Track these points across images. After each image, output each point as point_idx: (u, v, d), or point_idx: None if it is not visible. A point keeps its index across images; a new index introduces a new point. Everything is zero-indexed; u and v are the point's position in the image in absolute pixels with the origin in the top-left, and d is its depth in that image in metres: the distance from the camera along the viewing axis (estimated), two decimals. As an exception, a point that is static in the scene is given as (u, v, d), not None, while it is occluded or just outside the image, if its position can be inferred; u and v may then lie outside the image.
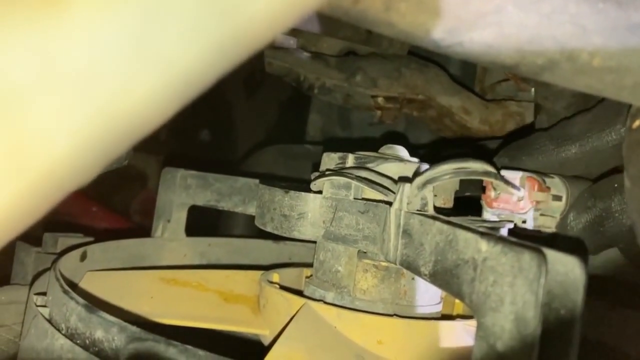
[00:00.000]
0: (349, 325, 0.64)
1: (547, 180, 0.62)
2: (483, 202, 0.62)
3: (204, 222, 1.19)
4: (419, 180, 0.56)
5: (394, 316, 0.66)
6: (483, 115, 1.08)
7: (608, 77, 0.40)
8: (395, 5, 0.39)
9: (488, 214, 0.62)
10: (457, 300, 0.80)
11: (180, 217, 0.91)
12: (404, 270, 0.68)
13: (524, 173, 0.59)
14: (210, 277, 0.77)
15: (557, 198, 0.63)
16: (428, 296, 0.70)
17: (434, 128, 1.16)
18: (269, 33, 0.28)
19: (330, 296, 0.69)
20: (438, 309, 0.72)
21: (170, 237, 0.90)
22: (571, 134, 0.71)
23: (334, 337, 0.62)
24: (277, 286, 0.75)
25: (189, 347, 0.46)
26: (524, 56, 0.41)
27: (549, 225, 0.62)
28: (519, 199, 0.59)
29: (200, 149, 1.96)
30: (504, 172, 0.60)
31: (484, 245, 0.44)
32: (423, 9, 0.39)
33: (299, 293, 0.73)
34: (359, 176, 0.65)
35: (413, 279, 0.69)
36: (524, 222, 0.60)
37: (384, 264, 0.67)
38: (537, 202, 0.59)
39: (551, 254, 0.40)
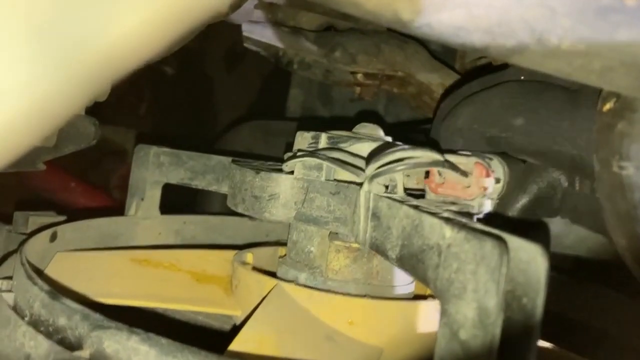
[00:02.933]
0: (321, 307, 0.64)
1: (489, 163, 0.61)
2: (427, 188, 0.60)
3: (182, 201, 1.18)
4: (367, 172, 0.55)
5: (366, 297, 0.65)
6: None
7: (577, 61, 0.39)
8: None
9: (432, 201, 0.60)
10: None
11: (154, 195, 0.90)
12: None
13: (470, 158, 0.58)
14: (182, 258, 0.76)
15: (497, 180, 0.62)
16: (400, 276, 0.70)
17: (413, 105, 1.15)
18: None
19: (302, 277, 0.69)
20: (411, 289, 0.72)
21: (144, 215, 0.89)
22: (455, 126, 0.73)
23: (304, 319, 0.62)
24: (250, 267, 0.74)
25: (152, 334, 0.45)
26: (493, 38, 0.40)
27: (489, 208, 0.61)
28: (467, 185, 0.57)
29: (180, 124, 1.94)
30: (452, 157, 0.58)
31: (448, 231, 0.43)
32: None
33: (272, 274, 0.73)
34: (330, 157, 0.64)
35: (386, 259, 0.69)
36: (471, 209, 0.58)
37: (355, 245, 0.67)
38: (485, 189, 0.58)
39: (514, 241, 0.39)
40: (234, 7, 0.64)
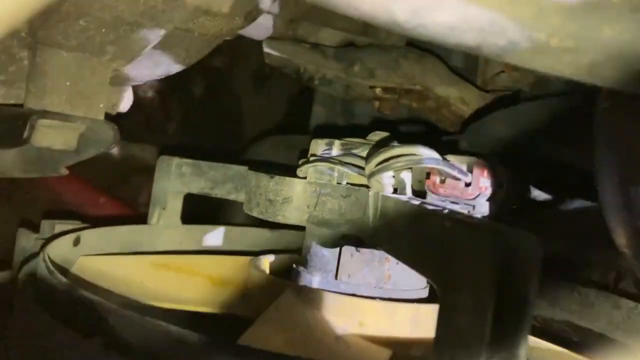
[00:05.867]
0: (332, 308, 0.65)
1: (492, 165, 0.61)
2: (427, 188, 0.61)
3: (205, 211, 1.21)
4: (366, 170, 0.57)
5: (377, 299, 0.66)
6: (481, 106, 1.07)
7: (566, 58, 0.40)
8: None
9: (434, 201, 0.60)
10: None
11: (175, 205, 0.92)
12: (388, 255, 0.69)
13: (472, 158, 0.59)
14: (201, 262, 0.78)
15: (499, 184, 0.62)
16: (413, 281, 0.71)
17: (433, 119, 1.16)
18: None
19: (316, 280, 0.70)
20: (424, 294, 0.73)
21: (165, 224, 0.92)
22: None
23: (315, 320, 0.63)
24: (265, 271, 0.76)
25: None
26: (485, 37, 0.41)
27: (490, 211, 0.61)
28: (467, 184, 0.58)
29: (208, 142, 1.97)
30: (451, 157, 0.59)
31: (447, 225, 0.44)
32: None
33: (287, 278, 0.74)
34: (341, 161, 0.65)
35: (397, 263, 0.70)
36: (473, 208, 0.59)
37: (367, 249, 0.68)
38: (485, 188, 0.59)
39: (508, 231, 0.40)
40: (249, 20, 0.66)
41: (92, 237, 0.81)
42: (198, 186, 0.89)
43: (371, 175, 0.57)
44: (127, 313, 0.49)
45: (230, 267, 0.78)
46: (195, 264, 0.78)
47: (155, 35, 0.57)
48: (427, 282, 0.73)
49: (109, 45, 0.55)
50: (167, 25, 0.56)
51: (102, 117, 0.58)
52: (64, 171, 0.65)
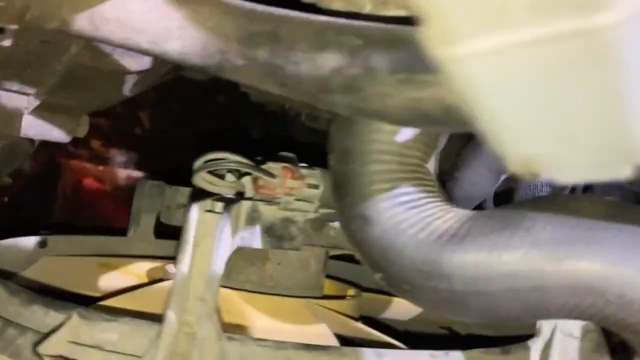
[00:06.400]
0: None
1: (306, 171, 0.71)
2: (254, 189, 0.71)
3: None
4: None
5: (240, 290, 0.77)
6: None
7: (245, 73, 0.51)
8: (101, 26, 0.53)
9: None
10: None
11: (148, 221, 1.07)
12: (271, 256, 0.80)
13: (282, 164, 0.69)
14: (138, 265, 0.92)
15: (314, 186, 0.71)
16: (293, 281, 0.80)
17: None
18: None
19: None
20: (318, 293, 0.82)
21: (138, 237, 1.07)
22: None
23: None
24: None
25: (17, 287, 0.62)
26: (204, 61, 0.52)
27: (307, 209, 0.70)
28: (276, 185, 0.68)
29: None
30: (269, 164, 0.70)
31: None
32: (126, 25, 0.53)
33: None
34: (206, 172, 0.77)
35: (279, 264, 0.80)
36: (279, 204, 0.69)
37: (249, 249, 0.79)
38: (291, 189, 0.68)
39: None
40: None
41: (62, 242, 0.97)
42: (160, 204, 1.04)
43: (193, 174, 0.69)
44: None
45: (160, 270, 0.91)
46: (133, 265, 0.92)
47: (56, 69, 0.72)
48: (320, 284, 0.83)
49: (13, 78, 0.71)
50: (61, 63, 0.71)
51: (19, 135, 0.75)
52: (7, 179, 0.82)
